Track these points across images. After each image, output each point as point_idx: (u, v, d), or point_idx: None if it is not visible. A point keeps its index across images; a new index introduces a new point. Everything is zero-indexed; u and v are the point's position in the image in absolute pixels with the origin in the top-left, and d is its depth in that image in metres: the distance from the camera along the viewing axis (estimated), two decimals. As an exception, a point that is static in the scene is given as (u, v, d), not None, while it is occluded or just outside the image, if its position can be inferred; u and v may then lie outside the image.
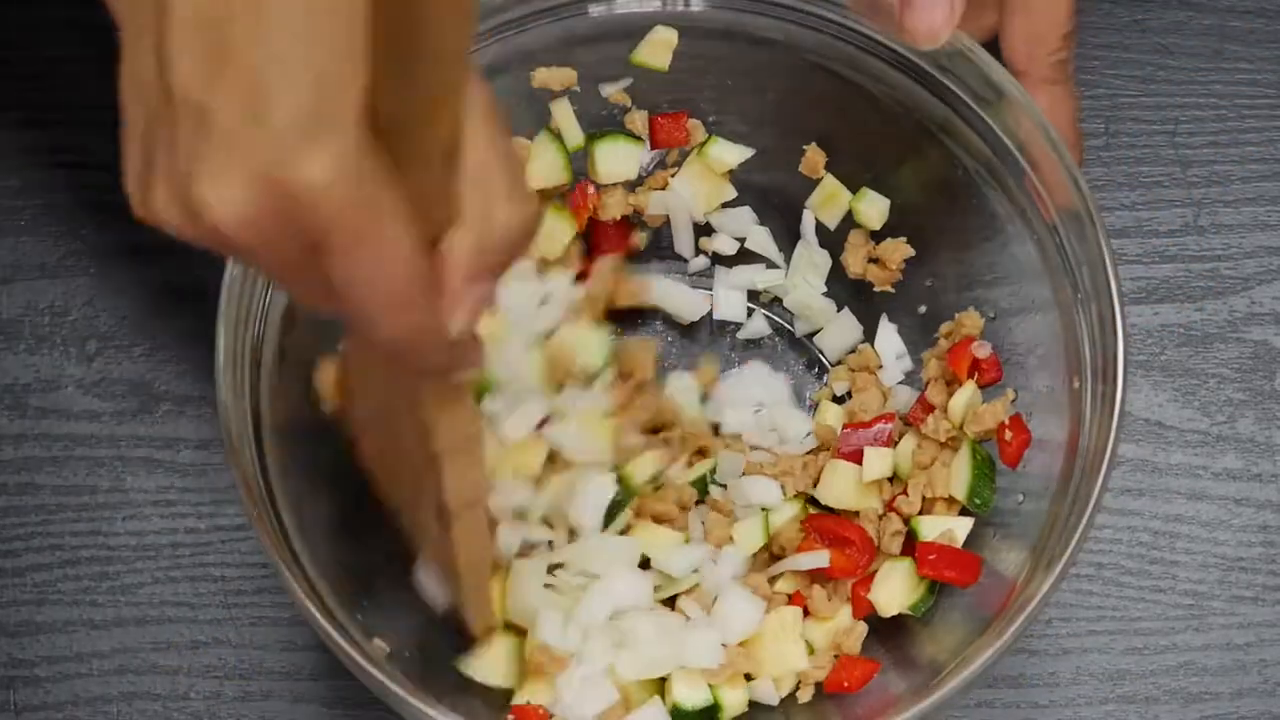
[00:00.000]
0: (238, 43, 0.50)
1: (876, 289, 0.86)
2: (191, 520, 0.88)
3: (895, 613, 0.79)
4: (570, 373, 0.84)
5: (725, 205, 0.88)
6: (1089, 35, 0.95)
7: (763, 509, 0.82)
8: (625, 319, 0.89)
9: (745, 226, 0.88)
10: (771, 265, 0.89)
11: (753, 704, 0.79)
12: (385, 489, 0.76)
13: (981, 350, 0.81)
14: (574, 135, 0.85)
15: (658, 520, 0.82)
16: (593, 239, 0.87)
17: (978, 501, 0.79)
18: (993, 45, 0.79)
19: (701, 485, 0.83)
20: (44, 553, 0.87)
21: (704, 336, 0.90)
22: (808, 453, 0.85)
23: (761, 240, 0.88)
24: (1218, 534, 0.88)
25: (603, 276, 0.87)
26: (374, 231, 0.52)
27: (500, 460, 0.81)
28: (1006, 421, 0.79)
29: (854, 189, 0.86)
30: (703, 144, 0.86)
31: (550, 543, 0.81)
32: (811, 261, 0.88)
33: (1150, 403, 0.90)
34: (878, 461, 0.81)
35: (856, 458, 0.82)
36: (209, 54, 0.51)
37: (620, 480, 0.81)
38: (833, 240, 0.87)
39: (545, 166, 0.84)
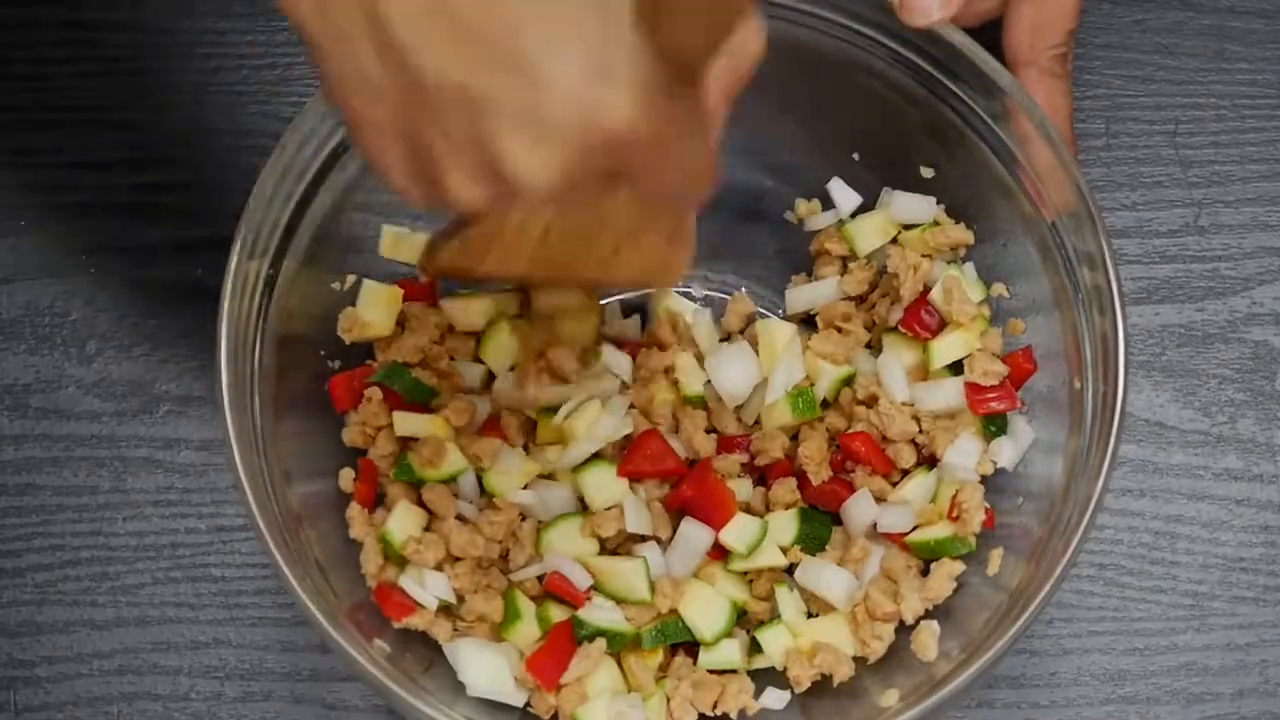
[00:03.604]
0: (474, 16, 0.50)
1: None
2: (192, 521, 0.88)
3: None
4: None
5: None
6: (1090, 35, 0.95)
7: None
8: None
9: None
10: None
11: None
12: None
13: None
14: None
15: None
16: None
17: None
18: (994, 43, 0.79)
19: None
20: (45, 553, 0.87)
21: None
22: None
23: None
24: (1219, 534, 0.88)
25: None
26: (677, 143, 0.54)
27: None
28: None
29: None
30: None
31: None
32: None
33: (1151, 403, 0.90)
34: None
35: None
36: (450, 36, 0.51)
37: None
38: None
39: None
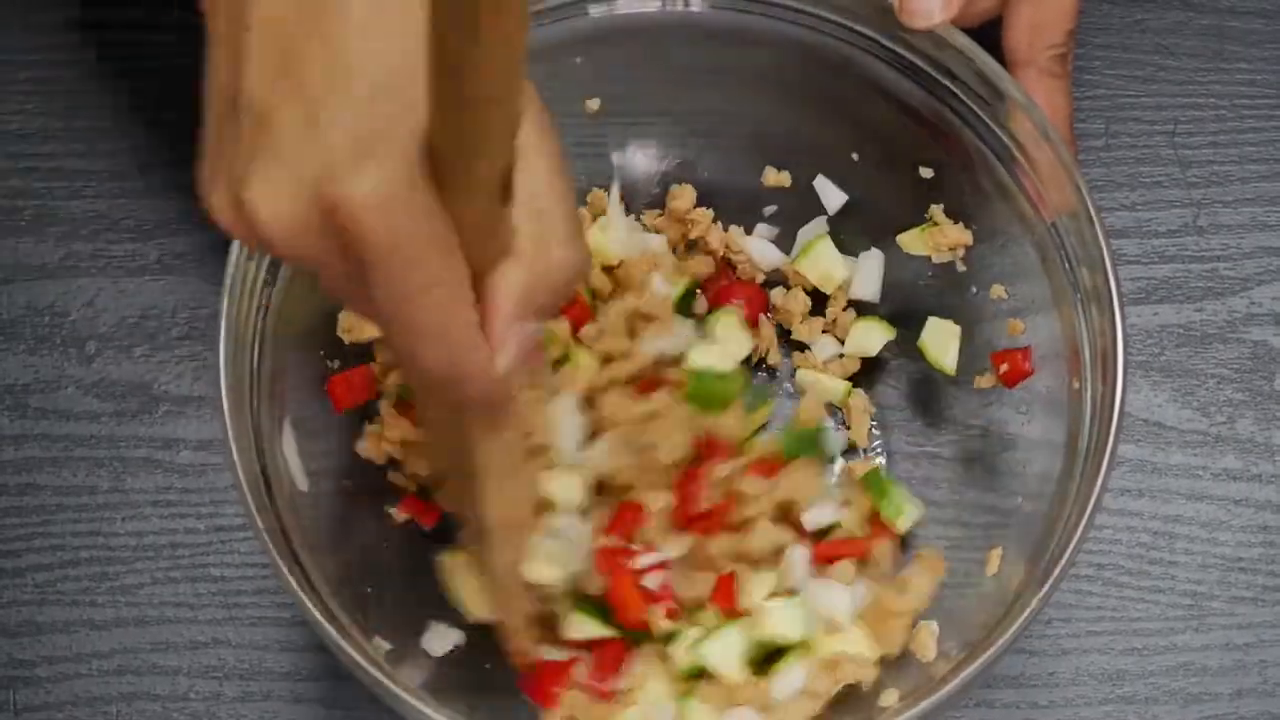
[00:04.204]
0: (304, 53, 0.50)
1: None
2: (191, 521, 0.88)
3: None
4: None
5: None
6: (1089, 35, 0.95)
7: None
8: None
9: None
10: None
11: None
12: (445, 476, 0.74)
13: None
14: None
15: None
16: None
17: None
18: (993, 43, 0.79)
19: None
20: (44, 553, 0.87)
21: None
22: None
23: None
24: (1217, 534, 0.88)
25: None
26: (415, 260, 0.52)
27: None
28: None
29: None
30: None
31: None
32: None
33: (1150, 403, 0.90)
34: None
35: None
36: (277, 61, 0.51)
37: None
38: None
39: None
